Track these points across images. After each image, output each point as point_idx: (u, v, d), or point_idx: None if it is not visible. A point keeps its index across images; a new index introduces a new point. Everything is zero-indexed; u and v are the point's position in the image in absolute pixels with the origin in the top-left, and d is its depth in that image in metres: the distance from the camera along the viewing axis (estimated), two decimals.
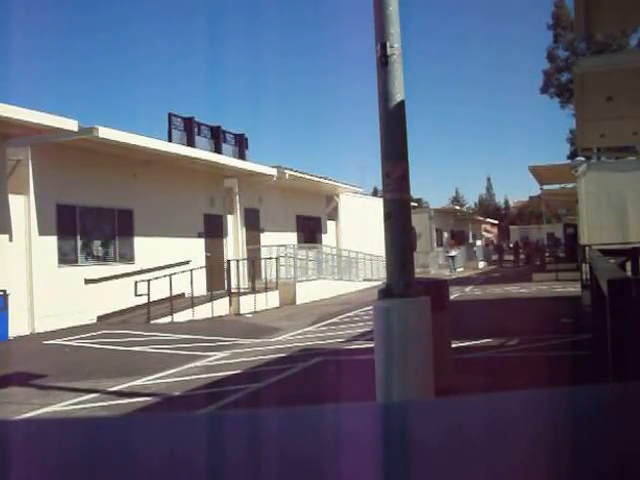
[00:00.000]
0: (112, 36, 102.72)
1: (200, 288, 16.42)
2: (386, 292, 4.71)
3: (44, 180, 13.23)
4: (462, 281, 24.80)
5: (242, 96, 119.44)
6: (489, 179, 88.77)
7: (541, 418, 0.73)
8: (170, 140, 17.84)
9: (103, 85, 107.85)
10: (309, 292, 19.83)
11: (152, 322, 13.78)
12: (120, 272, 15.09)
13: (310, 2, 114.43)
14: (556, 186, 25.35)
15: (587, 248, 11.99)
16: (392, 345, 4.46)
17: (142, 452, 0.65)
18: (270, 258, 19.58)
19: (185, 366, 8.58)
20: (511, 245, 47.86)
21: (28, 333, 12.57)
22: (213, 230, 19.05)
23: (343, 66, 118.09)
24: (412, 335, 4.49)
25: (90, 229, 14.74)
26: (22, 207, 12.94)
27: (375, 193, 44.21)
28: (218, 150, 19.99)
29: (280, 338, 11.66)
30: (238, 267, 18.28)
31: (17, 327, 12.15)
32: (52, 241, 13.55)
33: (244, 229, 20.56)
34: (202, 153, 17.53)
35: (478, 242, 47.79)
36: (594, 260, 6.89)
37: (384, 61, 4.74)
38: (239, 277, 17.94)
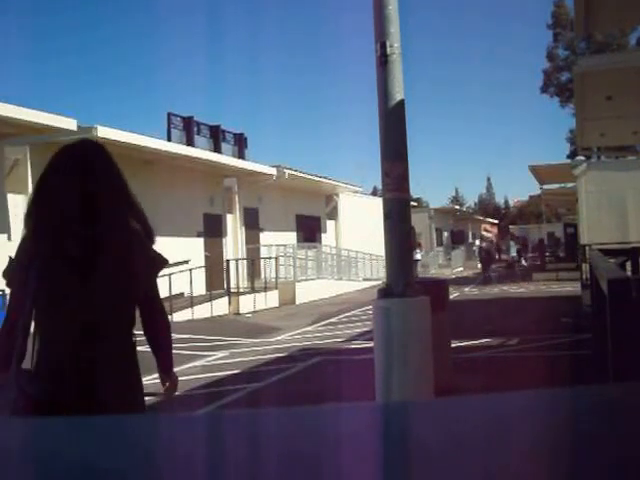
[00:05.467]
0: (111, 36, 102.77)
1: (199, 288, 16.41)
2: (386, 292, 4.71)
3: None
4: (461, 281, 24.80)
5: (241, 95, 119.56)
6: (489, 178, 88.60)
7: (541, 418, 0.72)
8: (169, 140, 17.82)
9: (103, 85, 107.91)
10: (308, 292, 19.83)
11: None
12: None
13: (310, 0, 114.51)
14: (556, 185, 25.35)
15: (587, 248, 12.00)
16: (392, 345, 4.46)
17: (142, 452, 0.65)
18: (269, 258, 19.58)
19: (184, 366, 8.56)
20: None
21: None
22: (212, 230, 19.04)
23: (343, 65, 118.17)
24: (412, 335, 4.49)
25: None
26: (21, 206, 12.92)
27: (375, 192, 44.19)
28: (217, 149, 19.97)
29: (279, 338, 11.66)
30: (237, 267, 18.28)
31: None
32: None
33: (243, 229, 20.55)
34: (201, 152, 17.51)
35: (477, 242, 47.81)
36: (594, 260, 6.89)
37: (383, 60, 4.74)
38: (238, 277, 17.94)
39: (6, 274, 2.23)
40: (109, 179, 2.25)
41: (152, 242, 2.33)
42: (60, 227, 2.12)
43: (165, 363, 2.47)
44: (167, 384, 2.47)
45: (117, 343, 2.17)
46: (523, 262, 30.91)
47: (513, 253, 28.65)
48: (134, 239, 2.23)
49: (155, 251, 2.34)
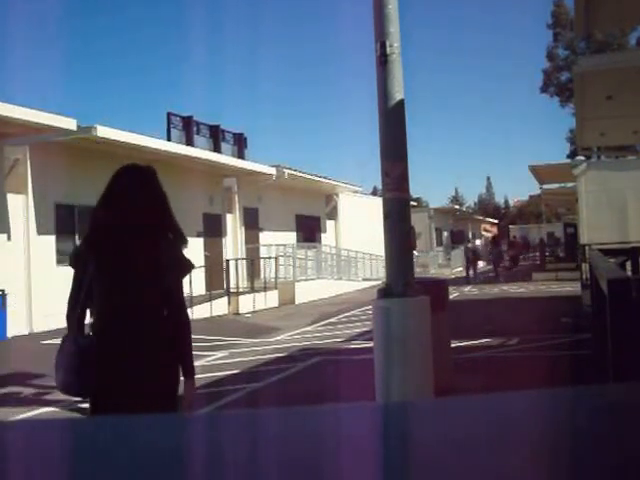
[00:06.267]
0: (110, 35, 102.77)
1: (199, 287, 16.38)
2: (385, 291, 4.71)
3: (43, 179, 13.22)
4: (461, 281, 24.79)
5: (241, 95, 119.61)
6: (489, 178, 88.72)
7: (541, 418, 0.72)
8: (169, 139, 17.81)
9: (102, 84, 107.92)
10: (308, 292, 19.82)
11: None
12: None
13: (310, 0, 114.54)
14: (556, 185, 25.35)
15: (587, 248, 11.99)
16: (391, 345, 4.46)
17: (142, 452, 0.65)
18: (269, 257, 19.57)
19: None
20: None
21: (27, 333, 12.56)
22: (212, 229, 19.02)
23: (343, 65, 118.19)
24: (411, 335, 4.49)
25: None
26: (21, 206, 12.92)
27: (375, 192, 44.20)
28: (217, 149, 19.97)
29: (279, 338, 11.66)
30: (237, 267, 18.26)
31: (16, 327, 12.14)
32: (50, 240, 13.53)
33: (243, 228, 20.54)
34: (201, 152, 17.50)
35: (477, 241, 47.79)
36: (594, 260, 6.89)
37: (383, 60, 4.74)
38: (238, 277, 17.93)
39: (71, 259, 2.89)
40: (152, 197, 2.89)
41: (184, 246, 2.93)
42: (110, 232, 2.80)
43: (185, 367, 2.84)
44: (184, 397, 2.85)
45: (146, 321, 2.76)
46: (505, 264, 30.87)
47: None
48: (165, 244, 2.82)
49: (184, 256, 2.90)
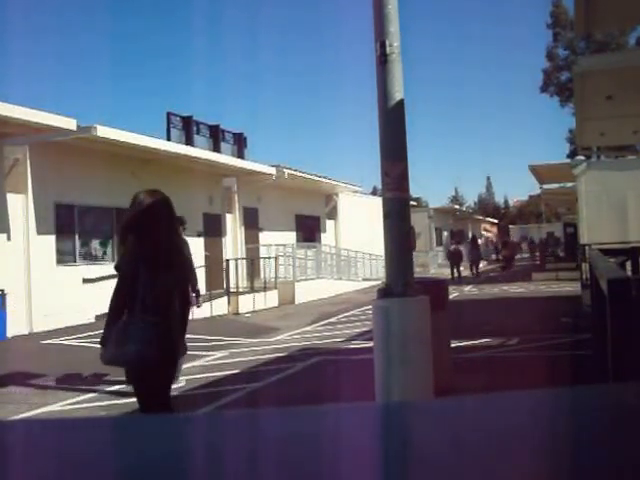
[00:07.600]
0: (110, 35, 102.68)
1: (199, 287, 16.36)
2: (385, 291, 4.71)
3: (42, 179, 13.21)
4: (460, 280, 24.80)
5: (241, 95, 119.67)
6: (489, 178, 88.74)
7: (541, 418, 0.72)
8: (169, 139, 17.80)
9: (102, 84, 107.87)
10: (308, 291, 19.82)
11: None
12: None
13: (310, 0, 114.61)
14: (556, 185, 25.36)
15: (587, 247, 11.99)
16: (391, 345, 4.46)
17: (142, 452, 0.65)
18: (269, 257, 19.56)
19: (183, 366, 8.55)
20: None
21: (26, 333, 12.55)
22: (212, 229, 19.02)
23: (343, 64, 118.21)
24: (411, 335, 4.49)
25: (88, 228, 14.72)
26: (20, 206, 12.92)
27: (374, 192, 44.19)
28: (217, 149, 19.96)
29: (279, 338, 11.65)
30: (237, 266, 18.25)
31: (15, 326, 12.14)
32: (50, 240, 13.52)
33: (243, 228, 20.53)
34: (201, 152, 17.49)
35: (479, 242, 47.77)
36: (594, 259, 6.89)
37: (383, 60, 4.74)
38: (238, 276, 17.92)
39: (120, 264, 4.02)
40: (173, 218, 4.07)
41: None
42: (152, 246, 3.87)
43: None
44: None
45: (177, 304, 3.97)
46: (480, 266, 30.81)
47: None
48: (185, 249, 4.10)
49: (189, 257, 4.41)
